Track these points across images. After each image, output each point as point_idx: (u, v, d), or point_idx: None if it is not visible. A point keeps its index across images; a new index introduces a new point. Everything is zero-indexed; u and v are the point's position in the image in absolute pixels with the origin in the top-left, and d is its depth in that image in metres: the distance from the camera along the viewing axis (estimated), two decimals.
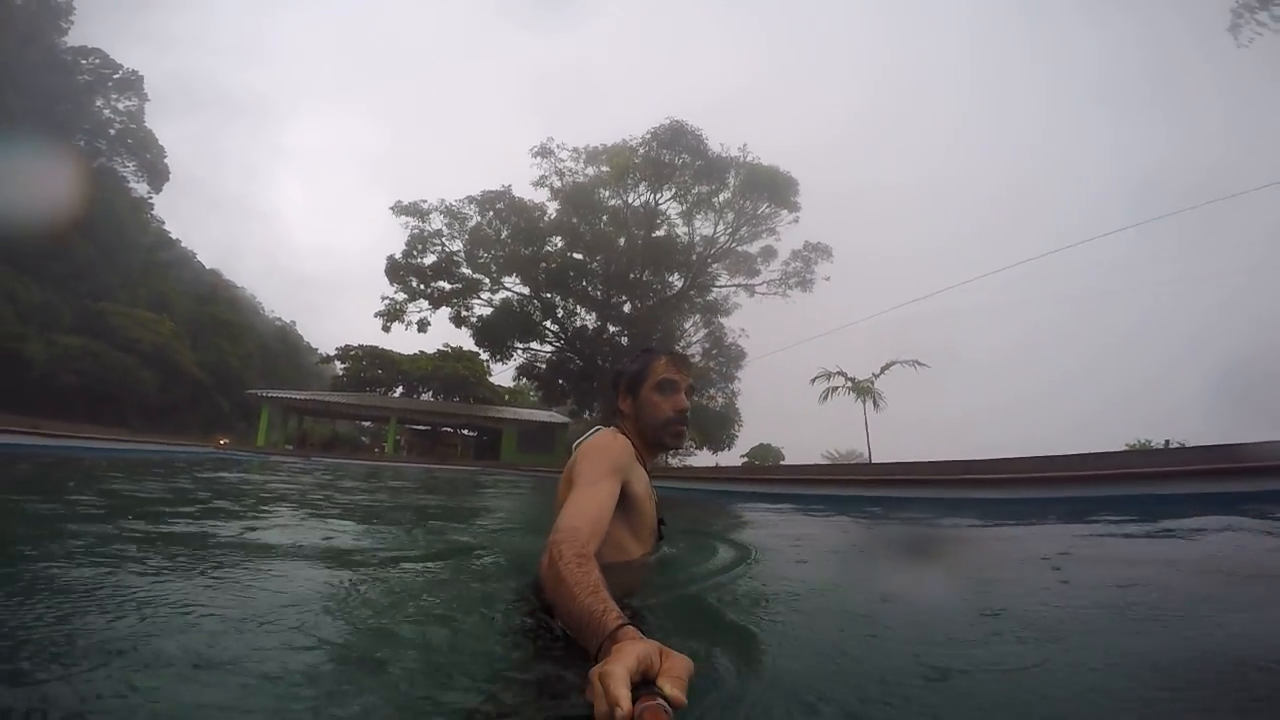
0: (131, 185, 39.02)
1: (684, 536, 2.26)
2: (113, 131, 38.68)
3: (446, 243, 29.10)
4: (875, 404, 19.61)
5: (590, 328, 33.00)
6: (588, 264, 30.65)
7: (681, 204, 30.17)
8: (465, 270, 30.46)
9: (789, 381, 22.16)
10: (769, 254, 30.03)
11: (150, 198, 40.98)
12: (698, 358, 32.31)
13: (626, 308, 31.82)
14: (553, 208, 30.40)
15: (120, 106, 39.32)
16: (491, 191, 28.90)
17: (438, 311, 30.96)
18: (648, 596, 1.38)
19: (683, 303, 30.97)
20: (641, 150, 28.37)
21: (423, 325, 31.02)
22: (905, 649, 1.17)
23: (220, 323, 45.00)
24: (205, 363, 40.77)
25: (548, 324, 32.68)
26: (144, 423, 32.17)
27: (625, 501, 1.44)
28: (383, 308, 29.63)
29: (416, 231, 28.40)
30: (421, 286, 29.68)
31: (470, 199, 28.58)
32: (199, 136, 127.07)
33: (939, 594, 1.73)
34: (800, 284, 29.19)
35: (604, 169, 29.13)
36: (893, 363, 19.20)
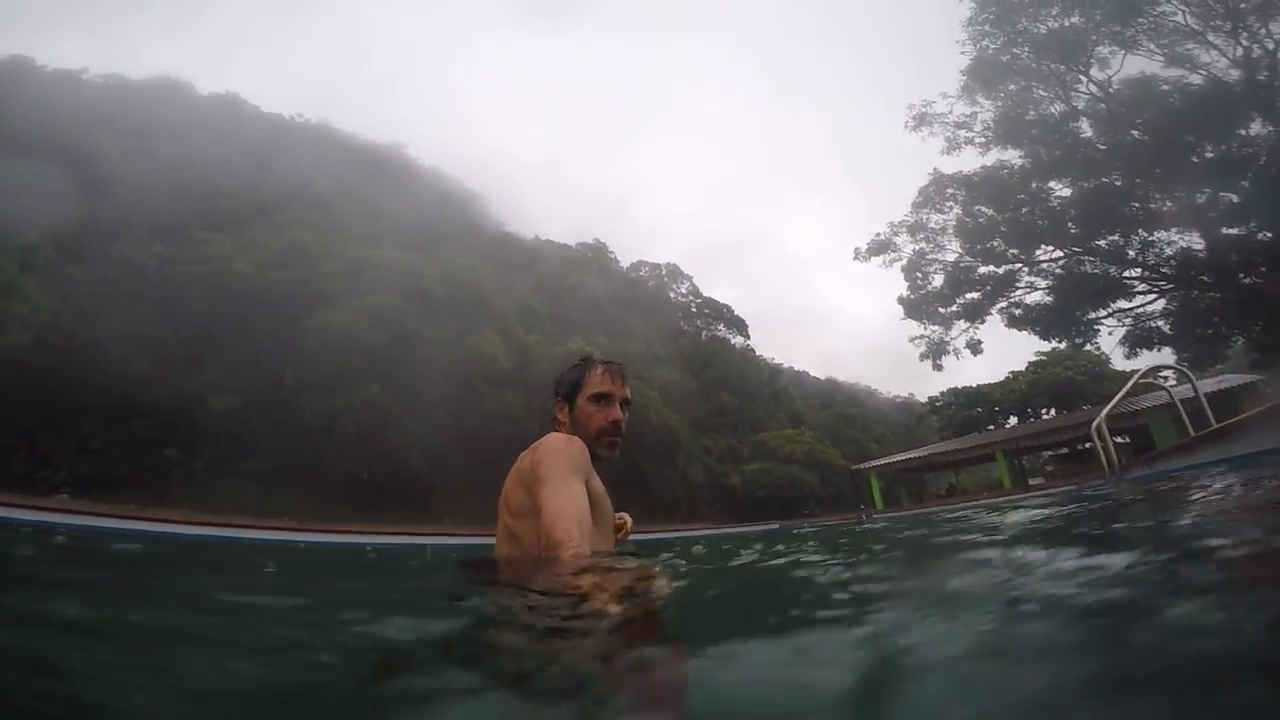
0: (732, 341, 51.98)
1: None
2: (693, 309, 53.57)
3: (937, 256, 27.18)
4: None
5: (1197, 248, 22.70)
6: (1119, 180, 22.38)
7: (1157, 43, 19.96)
8: (982, 269, 27.26)
9: None
10: None
11: (749, 343, 53.39)
12: None
13: (1232, 197, 20.60)
14: (1014, 158, 24.46)
15: (683, 290, 54.57)
16: (926, 185, 25.97)
17: (983, 325, 28.17)
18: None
19: None
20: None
21: (974, 346, 28.62)
22: None
23: (845, 418, 53.42)
24: (849, 453, 48.48)
25: (1125, 274, 24.45)
26: (822, 510, 40.58)
27: (589, 499, 1.49)
28: (923, 349, 29.25)
29: (901, 262, 27.85)
30: (945, 311, 28.08)
31: (914, 205, 26.43)
32: (726, 278, 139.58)
33: None
34: None
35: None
36: None
